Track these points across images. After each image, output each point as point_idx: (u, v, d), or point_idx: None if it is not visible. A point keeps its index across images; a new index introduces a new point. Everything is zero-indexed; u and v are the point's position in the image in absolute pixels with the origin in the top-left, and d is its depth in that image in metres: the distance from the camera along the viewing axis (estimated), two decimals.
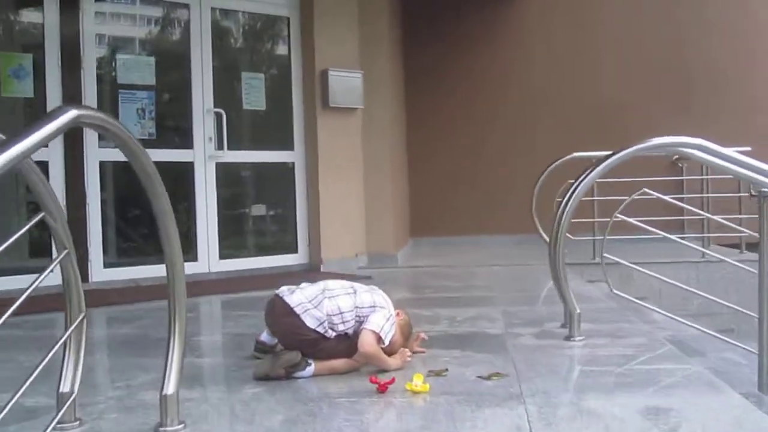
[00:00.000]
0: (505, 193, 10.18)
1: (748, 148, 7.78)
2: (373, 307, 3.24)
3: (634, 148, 3.70)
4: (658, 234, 4.57)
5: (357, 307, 3.22)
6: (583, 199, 7.69)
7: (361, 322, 3.20)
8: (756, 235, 6.82)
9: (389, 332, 3.19)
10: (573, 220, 7.66)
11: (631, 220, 4.08)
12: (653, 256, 7.51)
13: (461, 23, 10.27)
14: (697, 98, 10.32)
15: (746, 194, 8.03)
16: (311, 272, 7.40)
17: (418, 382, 2.85)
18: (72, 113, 1.93)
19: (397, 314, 3.37)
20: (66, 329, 2.58)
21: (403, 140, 9.82)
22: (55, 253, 2.38)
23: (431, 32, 10.16)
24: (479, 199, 10.28)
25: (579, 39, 10.29)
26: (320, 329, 3.15)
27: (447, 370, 3.17)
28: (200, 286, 6.43)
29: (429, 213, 10.22)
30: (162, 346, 3.95)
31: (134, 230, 7.08)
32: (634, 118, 10.12)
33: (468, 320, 4.46)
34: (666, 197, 4.87)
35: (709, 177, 8.16)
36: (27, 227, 2.16)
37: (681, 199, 8.69)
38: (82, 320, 2.38)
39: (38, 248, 6.40)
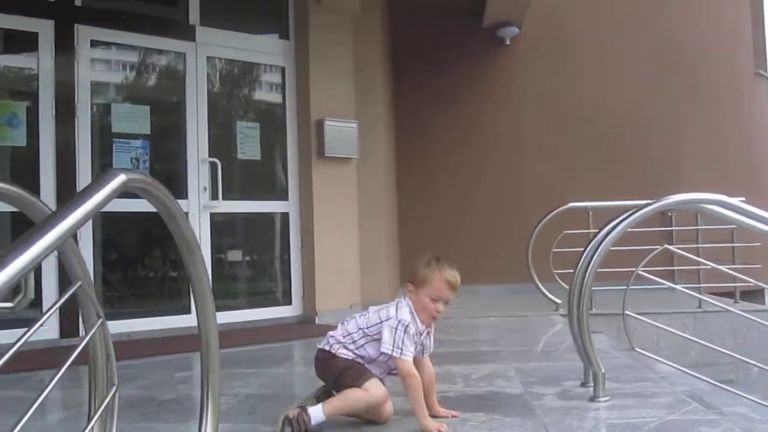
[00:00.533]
0: (495, 242, 10.17)
1: (742, 198, 7.86)
2: (381, 322, 3.19)
3: (659, 204, 3.65)
4: (677, 287, 4.47)
5: (361, 328, 3.22)
6: (574, 249, 7.76)
7: (377, 339, 3.17)
8: (750, 282, 6.83)
9: (399, 342, 3.10)
10: (563, 271, 7.68)
11: (653, 277, 3.98)
12: (644, 306, 7.47)
13: (450, 70, 10.31)
14: (684, 137, 10.45)
15: (742, 244, 8.06)
16: (305, 324, 7.27)
17: None
18: (121, 178, 1.83)
19: (409, 290, 3.25)
20: (91, 401, 2.45)
21: (393, 187, 9.77)
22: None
23: (420, 79, 10.19)
24: (469, 247, 10.22)
25: (568, 83, 10.38)
26: (326, 347, 3.25)
27: None
28: (194, 341, 6.27)
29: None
30: (170, 410, 3.82)
31: (127, 283, 6.91)
32: (625, 160, 10.22)
33: (483, 378, 4.35)
34: (688, 254, 4.82)
35: (701, 227, 8.17)
36: (64, 298, 2.03)
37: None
38: (114, 394, 2.24)
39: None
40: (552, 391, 3.95)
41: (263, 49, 7.54)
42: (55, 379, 1.86)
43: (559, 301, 7.80)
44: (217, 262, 7.10)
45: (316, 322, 7.30)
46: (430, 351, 3.37)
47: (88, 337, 2.08)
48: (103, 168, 6.55)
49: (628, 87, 10.41)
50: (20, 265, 1.38)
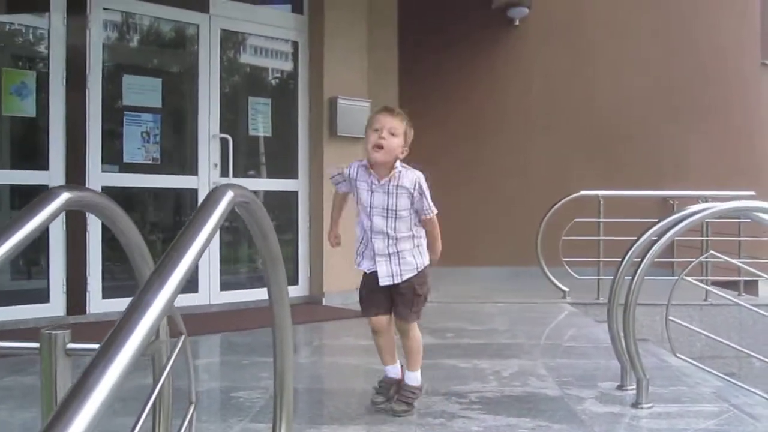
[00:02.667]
0: (496, 224, 10.09)
1: (752, 193, 7.85)
2: None
3: (714, 210, 3.58)
4: (721, 295, 4.42)
5: None
6: (588, 237, 7.69)
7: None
8: (758, 276, 6.79)
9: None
10: (575, 258, 7.62)
11: (701, 284, 3.92)
12: (650, 296, 7.43)
13: (458, 49, 10.13)
14: (690, 126, 10.39)
15: (749, 238, 8.04)
16: (312, 305, 7.18)
17: None
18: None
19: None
20: (156, 417, 2.33)
21: None
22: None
23: (426, 58, 9.97)
24: (470, 228, 10.13)
25: (576, 66, 10.24)
26: None
27: None
28: (202, 321, 6.16)
29: None
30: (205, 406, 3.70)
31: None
32: (631, 146, 10.14)
33: (515, 377, 4.29)
34: (734, 260, 4.77)
35: (710, 219, 8.11)
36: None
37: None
38: (193, 413, 2.14)
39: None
40: (590, 393, 3.90)
41: (277, 23, 7.34)
42: (147, 409, 1.75)
43: (566, 288, 7.76)
44: (224, 241, 6.98)
45: (323, 303, 7.21)
46: (417, 211, 3.48)
47: (173, 358, 1.96)
48: (114, 141, 6.38)
49: (636, 73, 10.29)
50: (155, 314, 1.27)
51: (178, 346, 2.04)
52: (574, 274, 7.67)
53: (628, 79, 10.27)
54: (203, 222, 1.57)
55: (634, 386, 3.76)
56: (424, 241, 3.48)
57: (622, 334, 3.85)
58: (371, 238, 3.39)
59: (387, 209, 3.37)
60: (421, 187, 3.40)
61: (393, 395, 3.52)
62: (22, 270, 6.34)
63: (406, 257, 3.40)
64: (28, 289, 6.20)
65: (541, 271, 8.02)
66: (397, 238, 3.38)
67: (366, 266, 3.46)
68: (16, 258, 6.24)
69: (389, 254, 3.39)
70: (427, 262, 3.48)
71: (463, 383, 4.11)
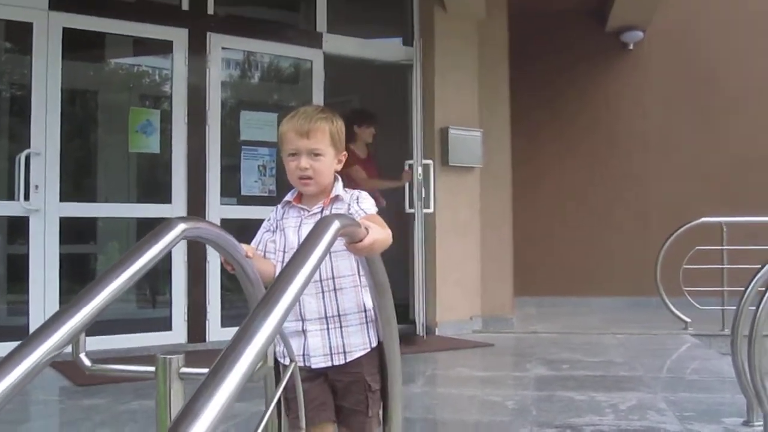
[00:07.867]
0: (612, 253, 9.82)
1: None
2: None
3: None
4: None
5: None
6: (712, 266, 7.39)
7: None
8: None
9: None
10: (697, 288, 7.31)
11: None
12: None
13: (568, 73, 9.95)
14: None
15: None
16: (426, 335, 7.16)
17: None
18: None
19: None
20: None
21: (509, 195, 9.52)
22: None
23: (535, 81, 9.81)
24: (584, 258, 9.90)
25: (695, 92, 9.86)
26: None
27: None
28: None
29: (531, 270, 9.77)
30: None
31: None
32: (757, 176, 9.64)
33: (633, 410, 4.14)
34: None
35: None
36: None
37: None
38: None
39: None
40: (713, 429, 3.73)
41: (388, 56, 7.46)
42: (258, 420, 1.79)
43: (688, 319, 7.47)
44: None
45: (436, 333, 7.19)
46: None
47: (282, 385, 1.99)
48: (231, 175, 6.61)
49: (762, 101, 9.78)
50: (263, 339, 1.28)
51: (288, 373, 2.08)
52: (697, 305, 7.39)
53: (753, 107, 9.76)
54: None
55: (762, 422, 3.57)
56: (370, 303, 2.30)
57: (747, 367, 3.67)
58: None
59: None
60: (357, 199, 2.32)
61: None
62: (147, 299, 6.63)
63: (351, 322, 2.29)
64: (152, 317, 6.47)
65: (661, 301, 7.78)
66: (336, 288, 2.26)
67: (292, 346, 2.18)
68: (142, 288, 6.55)
69: (326, 317, 2.26)
70: (376, 339, 2.34)
71: (579, 416, 4.01)
